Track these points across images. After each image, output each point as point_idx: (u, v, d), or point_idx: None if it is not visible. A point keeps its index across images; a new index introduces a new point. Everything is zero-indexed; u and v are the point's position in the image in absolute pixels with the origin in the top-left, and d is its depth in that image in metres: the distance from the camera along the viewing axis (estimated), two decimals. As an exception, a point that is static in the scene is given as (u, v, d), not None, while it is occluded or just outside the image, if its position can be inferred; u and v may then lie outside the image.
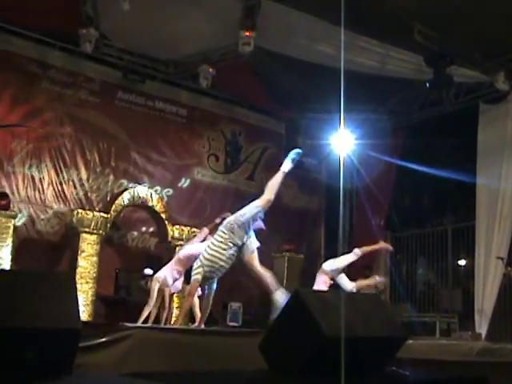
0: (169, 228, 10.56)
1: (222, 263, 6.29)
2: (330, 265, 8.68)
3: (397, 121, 12.20)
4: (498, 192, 10.53)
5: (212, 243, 6.34)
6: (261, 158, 12.61)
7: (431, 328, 10.30)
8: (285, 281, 10.51)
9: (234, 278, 11.65)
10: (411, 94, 11.40)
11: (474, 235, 10.87)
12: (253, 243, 6.37)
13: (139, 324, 7.27)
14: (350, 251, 9.16)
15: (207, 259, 6.29)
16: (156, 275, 8.02)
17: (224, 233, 6.26)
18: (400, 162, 11.92)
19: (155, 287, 7.86)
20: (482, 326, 10.24)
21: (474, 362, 6.63)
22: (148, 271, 8.86)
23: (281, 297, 6.04)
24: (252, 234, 6.39)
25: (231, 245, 6.23)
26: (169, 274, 7.98)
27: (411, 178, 11.87)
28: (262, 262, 6.53)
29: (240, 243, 6.25)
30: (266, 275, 6.38)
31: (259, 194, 6.80)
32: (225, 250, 6.24)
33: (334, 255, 10.84)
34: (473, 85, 10.74)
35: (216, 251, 6.26)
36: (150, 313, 7.87)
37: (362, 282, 9.21)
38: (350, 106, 10.32)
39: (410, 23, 8.73)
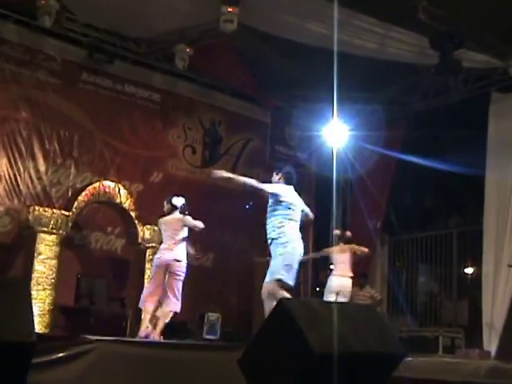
0: (139, 228, 10.50)
1: None
2: None
3: (396, 111, 12.24)
4: (509, 190, 10.56)
5: None
6: (243, 151, 12.59)
7: (433, 344, 10.34)
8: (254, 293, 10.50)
9: (211, 286, 11.72)
10: (413, 81, 11.43)
11: (482, 240, 10.91)
12: None
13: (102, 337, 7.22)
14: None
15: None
16: None
17: None
18: (400, 157, 11.96)
19: None
20: (491, 343, 10.29)
21: (481, 383, 6.67)
22: None
23: None
24: None
25: None
26: None
27: (412, 175, 11.93)
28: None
29: None
30: None
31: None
32: None
33: (324, 259, 10.88)
34: (484, 71, 10.78)
35: None
36: None
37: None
38: (344, 94, 10.45)
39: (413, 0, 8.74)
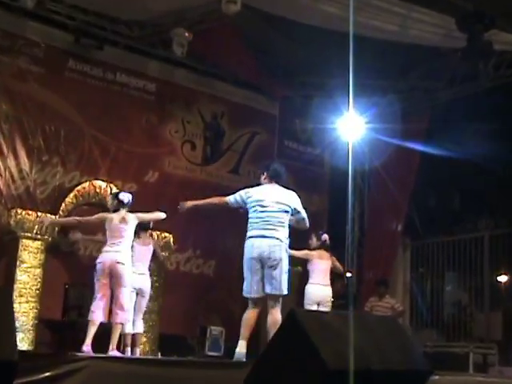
0: (132, 233, 10.51)
1: None
2: None
3: (419, 100, 12.23)
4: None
5: None
6: (248, 146, 12.58)
7: (463, 361, 10.33)
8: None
9: (213, 296, 11.73)
10: (438, 67, 11.42)
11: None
12: None
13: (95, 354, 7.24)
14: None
15: None
16: None
17: None
18: (423, 152, 11.94)
19: None
20: (528, 360, 10.28)
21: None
22: None
23: None
24: None
25: None
26: None
27: (437, 172, 11.91)
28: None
29: None
30: None
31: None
32: None
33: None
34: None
35: None
36: None
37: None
38: (360, 82, 10.44)
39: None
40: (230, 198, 7.11)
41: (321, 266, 9.89)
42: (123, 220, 7.81)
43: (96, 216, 8.40)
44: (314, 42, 10.40)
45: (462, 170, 10.86)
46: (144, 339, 9.76)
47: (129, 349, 8.47)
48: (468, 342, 11.23)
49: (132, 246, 8.82)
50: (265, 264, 6.77)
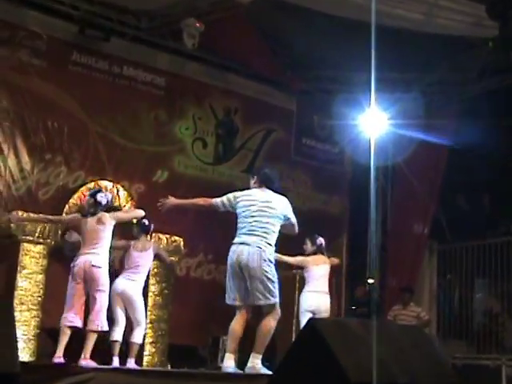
0: (140, 236, 10.54)
1: None
2: None
3: (447, 94, 12.19)
4: None
5: None
6: (263, 144, 12.58)
7: (494, 375, 10.28)
8: (295, 306, 10.49)
9: (227, 305, 11.71)
10: (467, 58, 11.37)
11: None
12: None
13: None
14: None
15: None
16: None
17: None
18: (451, 150, 11.90)
19: None
20: None
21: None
22: None
23: None
24: None
25: None
26: None
27: (467, 171, 11.85)
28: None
29: None
30: None
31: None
32: None
33: (360, 272, 10.85)
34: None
35: None
36: None
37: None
38: (383, 75, 10.42)
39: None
40: (217, 201, 7.22)
41: (317, 272, 9.91)
42: (99, 221, 7.85)
43: (70, 216, 8.46)
44: (333, 33, 10.39)
45: (493, 169, 10.80)
46: (153, 350, 9.78)
47: (116, 358, 8.48)
48: (500, 354, 11.18)
49: (129, 252, 8.89)
50: (245, 273, 6.88)
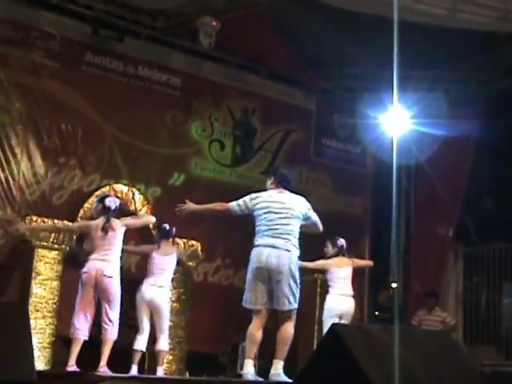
0: (157, 241, 10.55)
1: None
2: None
3: (471, 92, 12.13)
4: None
5: None
6: (282, 145, 12.57)
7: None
8: (317, 312, 10.47)
9: (245, 311, 11.70)
10: (494, 55, 11.33)
11: None
12: None
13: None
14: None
15: None
16: None
17: None
18: (477, 149, 11.85)
19: None
20: None
21: None
22: None
23: None
24: None
25: None
26: None
27: (493, 171, 11.80)
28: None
29: None
30: None
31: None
32: None
33: (384, 276, 10.81)
34: None
35: None
36: None
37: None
38: (405, 73, 10.39)
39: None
40: (234, 205, 7.17)
41: (340, 274, 9.88)
42: (110, 227, 7.82)
43: (78, 224, 8.46)
44: (354, 30, 10.37)
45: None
46: (170, 357, 9.79)
47: (135, 366, 8.50)
48: (531, 361, 11.14)
49: (152, 257, 8.92)
50: (272, 276, 6.83)
